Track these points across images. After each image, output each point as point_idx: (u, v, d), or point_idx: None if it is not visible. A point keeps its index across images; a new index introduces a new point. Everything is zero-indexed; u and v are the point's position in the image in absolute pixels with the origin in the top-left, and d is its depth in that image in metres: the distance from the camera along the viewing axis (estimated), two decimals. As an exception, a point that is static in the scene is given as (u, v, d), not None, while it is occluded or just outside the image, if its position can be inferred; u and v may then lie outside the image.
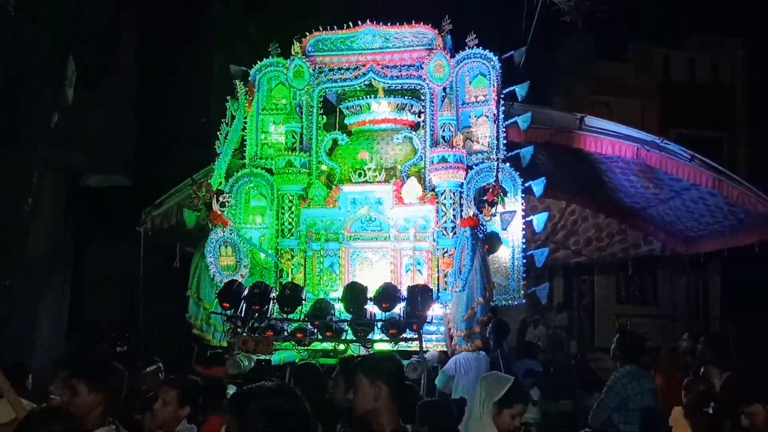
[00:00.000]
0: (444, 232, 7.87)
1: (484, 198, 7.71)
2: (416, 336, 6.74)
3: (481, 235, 7.48)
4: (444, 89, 8.18)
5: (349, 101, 8.76)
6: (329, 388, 4.97)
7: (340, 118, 9.02)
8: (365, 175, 8.20)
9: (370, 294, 6.77)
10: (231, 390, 5.33)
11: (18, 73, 7.46)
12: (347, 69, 8.46)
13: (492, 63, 8.23)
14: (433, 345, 7.43)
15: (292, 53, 8.42)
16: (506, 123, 8.29)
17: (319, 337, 7.00)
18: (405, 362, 5.24)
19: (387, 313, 6.71)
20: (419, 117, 8.53)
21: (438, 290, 7.70)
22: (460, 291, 7.25)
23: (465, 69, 8.34)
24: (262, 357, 6.76)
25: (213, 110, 10.70)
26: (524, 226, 8.16)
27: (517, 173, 8.10)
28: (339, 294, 7.28)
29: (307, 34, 8.53)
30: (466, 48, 8.34)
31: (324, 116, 8.71)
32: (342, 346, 7.11)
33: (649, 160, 9.70)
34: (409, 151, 8.41)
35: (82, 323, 12.29)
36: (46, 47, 7.47)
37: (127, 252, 11.32)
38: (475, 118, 8.34)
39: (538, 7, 9.92)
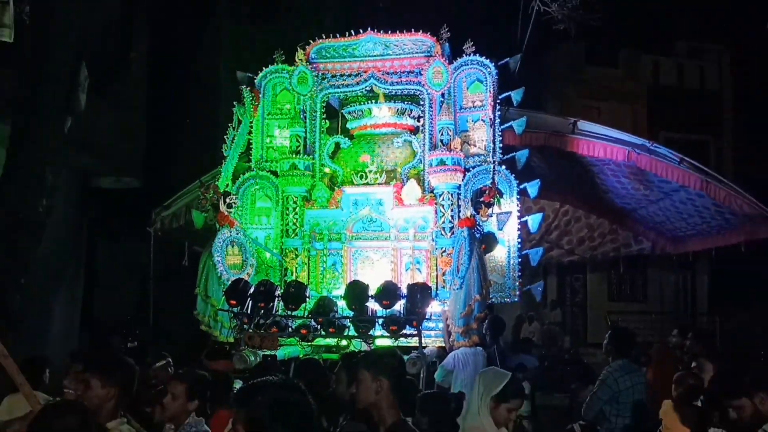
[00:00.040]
0: (442, 232, 7.91)
1: (481, 199, 7.72)
2: (416, 332, 6.82)
3: (478, 235, 7.51)
4: (442, 95, 8.21)
5: (351, 106, 8.78)
6: (332, 383, 4.90)
7: (343, 123, 9.07)
8: (366, 178, 8.27)
9: (372, 292, 6.87)
10: (238, 384, 5.37)
11: (34, 77, 7.64)
12: (349, 75, 8.49)
13: (488, 69, 8.26)
14: (432, 341, 7.46)
15: (296, 60, 8.45)
16: (502, 127, 8.29)
17: (323, 333, 7.07)
18: (405, 357, 5.14)
19: (387, 310, 6.79)
20: (418, 121, 8.55)
21: (437, 288, 7.75)
22: (458, 289, 7.29)
23: (462, 75, 8.37)
24: (268, 352, 6.80)
25: (220, 115, 10.83)
26: (519, 227, 8.20)
27: (513, 175, 8.15)
28: (341, 292, 7.35)
29: (311, 41, 8.57)
30: (464, 55, 8.33)
31: (327, 121, 8.74)
32: (344, 342, 7.21)
33: (640, 163, 9.79)
34: (409, 154, 8.46)
35: (93, 319, 12.35)
36: (59, 54, 7.65)
37: (137, 251, 11.39)
38: (473, 122, 8.36)
39: (532, 16, 9.94)
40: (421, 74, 8.25)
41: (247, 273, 8.00)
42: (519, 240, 8.25)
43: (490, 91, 8.27)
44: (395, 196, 8.12)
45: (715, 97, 19.36)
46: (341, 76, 8.57)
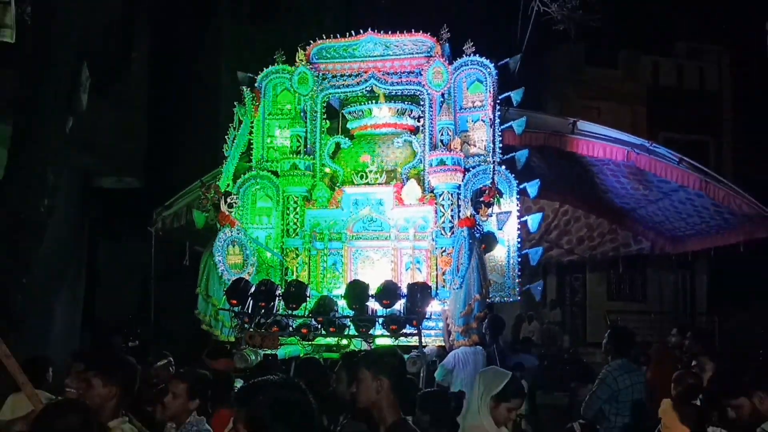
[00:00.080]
0: (442, 231, 7.93)
1: (481, 199, 7.74)
2: (416, 331, 6.82)
3: (477, 235, 7.51)
4: (442, 95, 8.23)
5: (351, 106, 8.79)
6: (332, 382, 4.91)
7: (343, 123, 9.07)
8: (367, 178, 8.28)
9: (372, 291, 6.87)
10: (238, 383, 5.40)
11: (35, 77, 7.66)
12: (349, 76, 8.50)
13: (488, 70, 8.27)
14: (432, 340, 7.48)
15: (297, 61, 8.46)
16: (502, 127, 8.30)
17: (323, 332, 7.08)
18: (405, 357, 5.12)
19: (388, 310, 6.79)
20: (419, 121, 8.56)
21: (436, 288, 7.76)
22: (457, 288, 7.30)
23: (462, 75, 8.38)
24: (269, 351, 6.83)
25: (221, 115, 10.86)
26: (519, 226, 8.21)
27: (513, 175, 8.16)
28: (342, 291, 7.34)
29: (311, 42, 8.58)
30: (464, 55, 8.34)
31: (327, 121, 8.76)
32: (345, 341, 7.20)
33: (639, 163, 9.81)
34: (409, 154, 8.48)
35: (95, 319, 12.38)
36: (61, 54, 7.66)
37: (138, 251, 11.44)
38: (472, 122, 8.37)
39: (532, 16, 9.94)
40: (421, 74, 8.26)
41: (248, 272, 8.01)
42: (519, 240, 8.25)
43: (490, 91, 8.28)
44: (395, 196, 8.13)
45: (714, 98, 19.36)
46: (341, 76, 8.58)
